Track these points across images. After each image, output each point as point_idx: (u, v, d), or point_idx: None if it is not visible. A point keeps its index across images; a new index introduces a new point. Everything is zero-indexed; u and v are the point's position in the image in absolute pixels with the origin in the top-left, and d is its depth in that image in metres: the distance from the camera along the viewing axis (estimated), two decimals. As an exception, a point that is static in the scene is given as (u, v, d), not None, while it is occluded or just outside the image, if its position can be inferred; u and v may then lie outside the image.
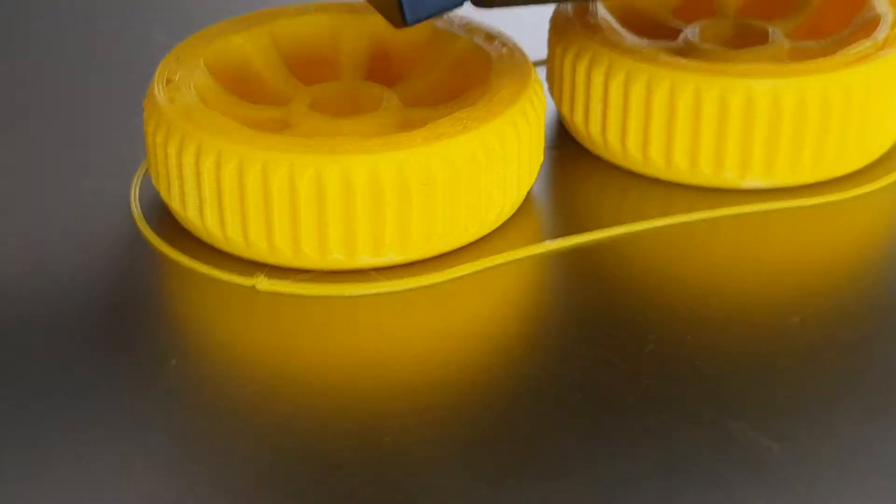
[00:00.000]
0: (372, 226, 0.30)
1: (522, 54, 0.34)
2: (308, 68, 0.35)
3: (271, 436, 0.27)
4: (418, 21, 0.28)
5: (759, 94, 0.33)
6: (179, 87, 0.32)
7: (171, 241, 0.32)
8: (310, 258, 0.30)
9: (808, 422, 0.27)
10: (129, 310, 0.30)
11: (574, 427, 0.27)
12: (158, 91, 0.32)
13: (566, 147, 0.36)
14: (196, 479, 0.25)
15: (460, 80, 0.34)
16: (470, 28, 0.35)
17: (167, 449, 0.26)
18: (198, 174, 0.30)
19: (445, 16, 0.35)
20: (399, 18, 0.28)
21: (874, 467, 0.26)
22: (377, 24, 0.35)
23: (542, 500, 0.25)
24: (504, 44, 0.34)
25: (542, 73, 0.37)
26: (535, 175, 0.33)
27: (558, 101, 0.36)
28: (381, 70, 0.35)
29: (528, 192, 0.34)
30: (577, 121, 0.35)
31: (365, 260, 0.31)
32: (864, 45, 0.34)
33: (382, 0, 0.28)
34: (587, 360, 0.29)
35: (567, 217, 0.34)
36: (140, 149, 0.34)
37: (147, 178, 0.34)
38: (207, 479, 0.25)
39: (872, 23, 0.36)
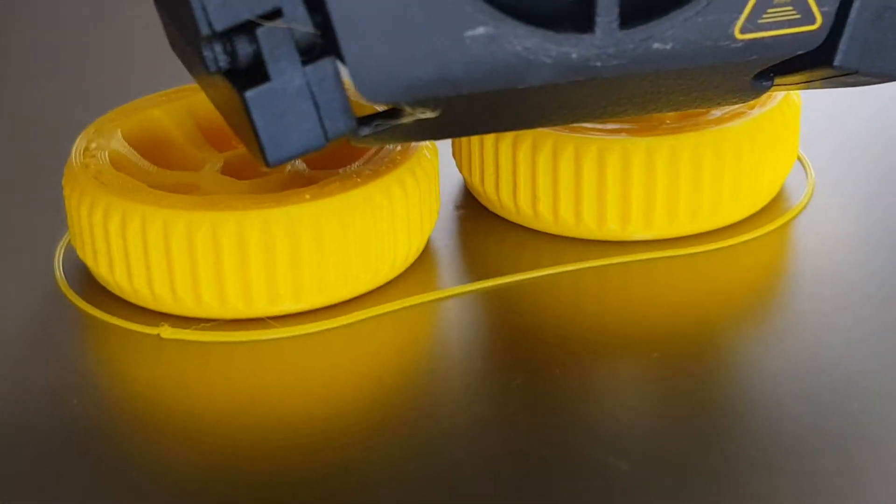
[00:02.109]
0: (266, 277, 0.33)
1: (418, 120, 0.36)
2: (223, 137, 0.38)
3: (172, 470, 0.29)
4: (281, 163, 0.28)
5: (634, 152, 0.35)
6: (94, 154, 0.35)
7: (87, 296, 0.35)
8: (211, 308, 0.33)
9: (658, 444, 0.29)
10: (42, 355, 0.33)
11: (442, 452, 0.29)
12: (76, 158, 0.35)
13: (470, 208, 0.39)
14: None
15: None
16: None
17: (67, 483, 0.29)
18: (106, 232, 0.33)
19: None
20: (262, 159, 0.28)
21: (711, 478, 0.28)
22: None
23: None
24: (403, 112, 0.37)
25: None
26: (428, 231, 0.36)
27: (459, 164, 0.39)
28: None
29: (428, 246, 0.37)
30: (475, 182, 0.38)
31: (262, 309, 0.33)
32: (736, 105, 0.37)
33: (248, 138, 0.28)
34: (462, 394, 0.31)
35: (464, 268, 0.37)
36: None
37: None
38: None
39: (748, 86, 0.38)
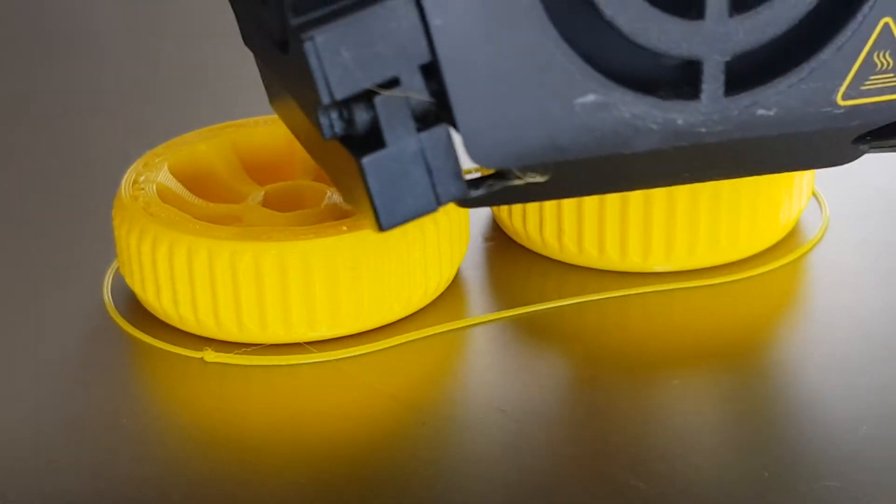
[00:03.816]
0: (305, 304, 0.34)
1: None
2: (265, 171, 0.40)
3: (215, 486, 0.31)
4: (394, 227, 0.28)
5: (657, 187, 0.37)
6: (143, 187, 0.37)
7: (135, 322, 0.36)
8: (252, 333, 0.35)
9: (681, 464, 0.31)
10: (92, 377, 0.35)
11: (471, 472, 0.31)
12: (125, 190, 0.37)
13: (499, 240, 0.41)
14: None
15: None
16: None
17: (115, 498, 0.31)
18: (154, 261, 0.35)
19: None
20: (376, 223, 0.28)
21: (726, 499, 0.30)
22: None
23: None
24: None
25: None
26: (458, 261, 0.38)
27: (488, 198, 0.41)
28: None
29: (458, 276, 0.38)
30: (503, 216, 0.40)
31: (301, 334, 0.35)
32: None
33: (361, 204, 0.28)
34: (491, 416, 0.33)
35: (492, 297, 0.38)
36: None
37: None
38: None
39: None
